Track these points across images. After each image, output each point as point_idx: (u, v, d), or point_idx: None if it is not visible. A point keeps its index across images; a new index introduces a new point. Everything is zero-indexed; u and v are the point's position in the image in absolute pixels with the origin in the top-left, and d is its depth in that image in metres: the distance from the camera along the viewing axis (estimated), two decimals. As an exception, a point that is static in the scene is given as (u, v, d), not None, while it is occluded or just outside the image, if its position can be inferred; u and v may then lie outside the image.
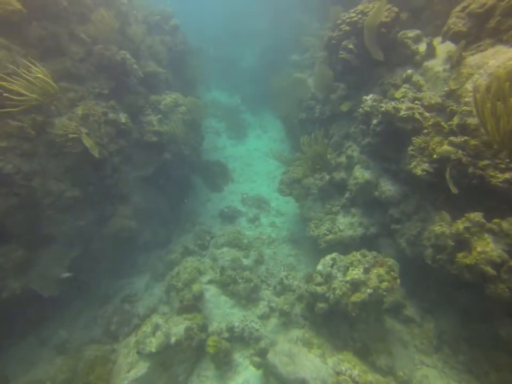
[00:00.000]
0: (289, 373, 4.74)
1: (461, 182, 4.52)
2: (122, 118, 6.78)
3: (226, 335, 6.06)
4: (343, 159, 7.17)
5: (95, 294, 7.01)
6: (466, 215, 4.39)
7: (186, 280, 6.80)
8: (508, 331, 4.45)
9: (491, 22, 5.00)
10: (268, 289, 7.18)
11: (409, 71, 5.86)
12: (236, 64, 19.22)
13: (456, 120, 4.79)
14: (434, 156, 4.74)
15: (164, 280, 7.35)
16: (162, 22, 9.86)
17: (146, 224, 8.28)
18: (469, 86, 4.82)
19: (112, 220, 6.84)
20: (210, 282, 7.17)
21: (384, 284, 4.89)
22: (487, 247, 4.03)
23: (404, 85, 5.86)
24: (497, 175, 4.15)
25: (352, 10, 6.66)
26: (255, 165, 12.88)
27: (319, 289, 5.55)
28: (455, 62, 5.24)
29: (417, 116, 5.05)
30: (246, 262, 7.69)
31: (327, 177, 7.55)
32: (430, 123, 5.07)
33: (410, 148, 5.17)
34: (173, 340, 5.30)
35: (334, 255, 5.79)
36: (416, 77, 5.89)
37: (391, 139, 5.80)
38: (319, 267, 5.75)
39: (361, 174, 6.41)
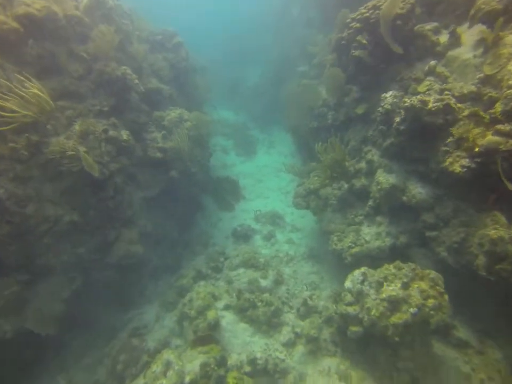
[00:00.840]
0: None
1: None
2: (124, 135, 6.38)
3: (248, 369, 5.31)
4: (362, 164, 6.60)
5: (100, 328, 6.33)
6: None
7: (200, 307, 6.14)
8: None
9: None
10: (291, 312, 6.47)
11: (432, 62, 5.36)
12: (241, 83, 19.24)
13: (500, 107, 4.19)
14: (477, 149, 4.13)
15: (175, 308, 6.70)
16: (165, 40, 9.71)
17: (154, 249, 7.73)
18: None
19: (116, 246, 6.29)
20: (226, 308, 6.52)
21: (430, 301, 4.16)
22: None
23: (428, 78, 5.36)
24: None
25: (363, 7, 6.28)
26: (266, 181, 12.46)
27: (350, 309, 4.87)
28: (491, 44, 4.70)
29: (452, 104, 4.47)
30: (264, 283, 7.02)
31: (346, 185, 6.97)
32: (465, 114, 4.51)
33: (449, 139, 4.54)
34: (187, 379, 4.58)
35: (363, 269, 5.14)
36: (440, 69, 5.39)
37: (418, 137, 5.21)
38: (348, 284, 5.10)
39: (385, 178, 5.80)
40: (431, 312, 4.12)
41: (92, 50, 6.02)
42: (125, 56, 7.58)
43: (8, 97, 4.62)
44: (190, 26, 19.29)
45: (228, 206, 10.40)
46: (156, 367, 4.68)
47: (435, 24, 6.09)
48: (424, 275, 4.54)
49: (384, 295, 4.53)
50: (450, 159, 4.54)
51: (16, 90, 4.67)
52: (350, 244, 6.15)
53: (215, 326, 5.85)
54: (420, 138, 5.17)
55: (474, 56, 4.96)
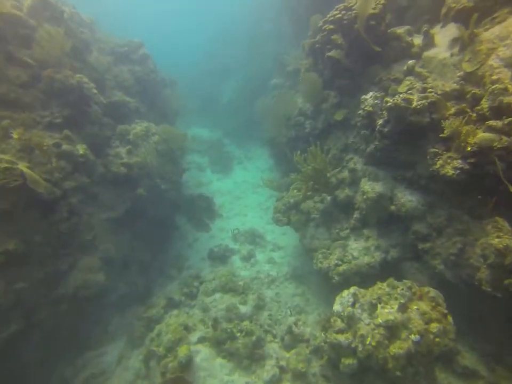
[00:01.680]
0: None
1: (512, 176, 3.47)
2: (80, 149, 5.67)
3: (226, 416, 4.52)
4: (345, 174, 6.13)
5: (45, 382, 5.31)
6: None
7: (170, 342, 5.35)
8: None
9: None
10: (274, 341, 5.74)
11: (411, 61, 5.06)
12: (216, 99, 18.88)
13: (486, 103, 3.84)
14: (469, 149, 3.71)
15: (143, 344, 5.82)
16: (130, 52, 9.13)
17: (121, 276, 6.89)
18: (494, 61, 3.94)
19: (71, 275, 5.44)
20: (201, 340, 5.72)
21: (434, 325, 3.59)
22: None
23: (407, 77, 5.02)
24: None
25: (334, 9, 5.99)
26: (244, 198, 11.87)
27: (341, 338, 4.23)
28: (467, 42, 4.43)
29: (439, 101, 4.08)
30: (243, 309, 6.26)
31: (329, 198, 6.46)
32: (451, 112, 4.12)
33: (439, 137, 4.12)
34: None
35: (353, 289, 4.57)
36: (419, 69, 5.08)
37: (403, 139, 4.82)
38: (337, 307, 4.49)
39: (370, 187, 5.33)
40: (436, 339, 3.52)
41: (38, 55, 5.34)
42: (83, 65, 6.96)
43: None
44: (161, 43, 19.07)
45: (203, 225, 9.65)
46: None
47: (407, 27, 5.89)
48: (422, 294, 4.00)
49: (380, 320, 3.93)
50: (440, 161, 4.12)
51: None
52: (336, 261, 5.57)
53: (187, 364, 5.05)
54: (406, 140, 4.77)
55: (452, 55, 4.74)
